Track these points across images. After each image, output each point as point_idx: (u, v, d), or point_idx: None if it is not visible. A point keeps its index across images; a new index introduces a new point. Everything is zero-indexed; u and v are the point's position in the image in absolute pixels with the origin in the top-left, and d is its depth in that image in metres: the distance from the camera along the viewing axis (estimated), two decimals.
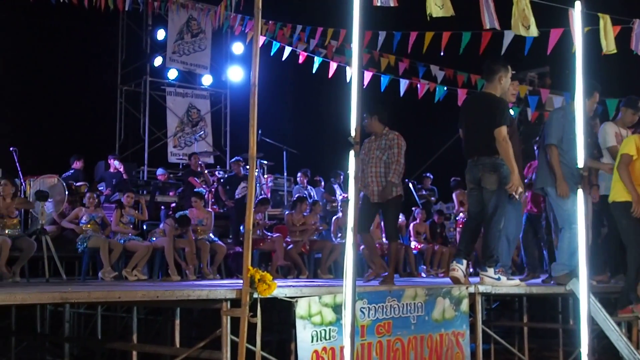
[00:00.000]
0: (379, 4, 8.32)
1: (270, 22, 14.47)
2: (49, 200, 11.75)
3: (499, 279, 8.11)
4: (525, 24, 8.83)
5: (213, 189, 14.45)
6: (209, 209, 12.84)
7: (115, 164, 14.77)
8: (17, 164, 12.28)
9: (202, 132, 19.64)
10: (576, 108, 7.71)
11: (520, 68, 9.72)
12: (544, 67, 17.70)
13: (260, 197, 14.14)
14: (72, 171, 14.08)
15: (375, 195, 9.22)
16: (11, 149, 12.29)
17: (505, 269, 8.66)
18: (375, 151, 9.36)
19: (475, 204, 8.29)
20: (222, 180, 14.93)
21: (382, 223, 10.64)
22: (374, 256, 9.93)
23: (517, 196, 8.00)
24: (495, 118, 7.94)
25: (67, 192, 12.59)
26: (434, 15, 8.38)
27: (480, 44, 10.95)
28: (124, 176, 14.67)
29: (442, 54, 11.79)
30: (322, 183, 16.37)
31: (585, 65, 7.50)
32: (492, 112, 7.98)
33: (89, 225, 11.25)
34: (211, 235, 12.22)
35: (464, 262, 8.23)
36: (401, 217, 14.49)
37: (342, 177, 16.08)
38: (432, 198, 16.99)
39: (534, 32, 9.03)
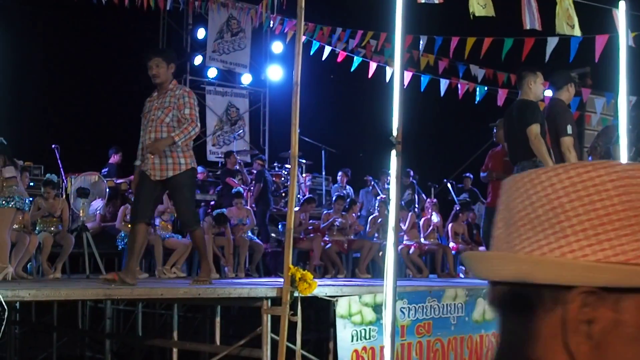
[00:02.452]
0: (423, 1, 8.30)
1: (310, 23, 14.47)
2: (99, 199, 11.87)
3: None
4: (570, 23, 8.77)
5: (252, 187, 14.49)
6: (248, 207, 12.89)
7: None
8: (59, 161, 12.42)
9: (240, 131, 19.68)
10: (619, 108, 7.66)
11: (560, 68, 9.67)
12: (584, 68, 17.54)
13: (307, 196, 14.20)
14: (107, 168, 14.13)
15: (157, 170, 7.53)
16: (53, 146, 12.43)
17: None
18: (156, 111, 7.64)
19: None
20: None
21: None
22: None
23: None
24: (526, 119, 8.07)
25: (107, 190, 12.69)
26: (477, 14, 8.36)
27: (522, 49, 10.90)
28: None
29: (481, 57, 11.78)
30: (373, 183, 16.30)
31: (630, 65, 7.45)
32: (524, 115, 8.13)
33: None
34: (249, 233, 12.26)
35: None
36: (438, 217, 14.44)
37: (388, 177, 16.02)
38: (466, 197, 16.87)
39: (578, 31, 8.97)
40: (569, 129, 8.32)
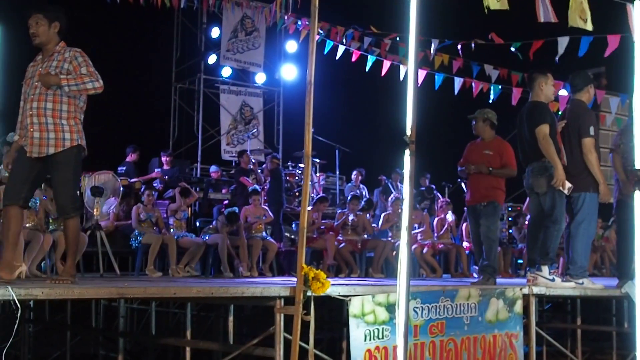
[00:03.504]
0: None
1: (323, 22, 14.44)
2: (113, 198, 11.90)
3: (553, 279, 8.08)
4: (583, 17, 8.72)
5: (266, 187, 14.50)
6: (264, 206, 12.91)
7: (163, 160, 14.86)
8: None
9: (254, 130, 19.71)
10: (634, 108, 7.61)
11: (574, 68, 9.63)
12: (599, 68, 17.47)
13: (320, 195, 14.20)
14: (124, 167, 14.15)
15: (35, 146, 6.53)
16: None
17: (582, 271, 8.47)
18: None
19: (534, 209, 8.41)
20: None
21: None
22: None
23: (565, 191, 7.99)
24: (535, 120, 8.06)
25: (121, 188, 12.70)
26: (492, 8, 8.30)
27: (536, 50, 10.88)
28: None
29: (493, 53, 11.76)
30: (386, 182, 16.28)
31: None
32: (533, 116, 8.13)
33: (144, 224, 11.33)
34: (263, 233, 12.27)
35: (544, 268, 8.25)
36: (452, 217, 14.41)
37: (400, 176, 16.02)
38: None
39: (590, 26, 8.92)
40: (591, 130, 8.29)
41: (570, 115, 8.53)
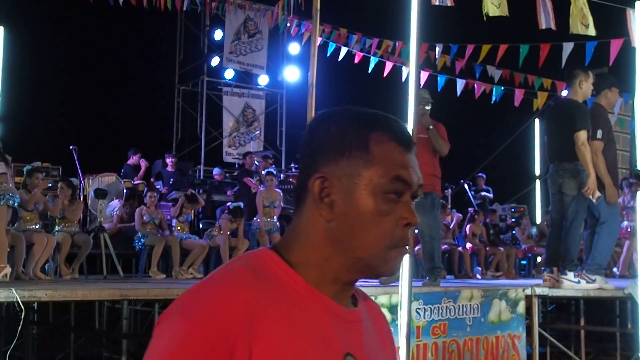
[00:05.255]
0: (437, 3, 8.30)
1: (325, 25, 14.48)
2: (117, 200, 11.92)
3: (578, 282, 8.13)
4: (584, 23, 8.74)
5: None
6: (277, 189, 12.93)
7: (167, 162, 14.87)
8: (77, 163, 12.50)
9: (257, 132, 19.72)
10: (636, 108, 7.64)
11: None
12: (601, 68, 17.48)
13: None
14: (123, 169, 14.14)
15: None
16: (71, 147, 12.50)
17: (598, 268, 8.48)
18: None
19: (557, 210, 8.35)
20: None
21: None
22: None
23: (594, 200, 7.95)
24: (575, 123, 7.96)
25: (125, 191, 12.73)
26: (491, 14, 8.35)
27: (539, 53, 10.90)
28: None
29: (497, 62, 11.78)
30: None
31: None
32: (572, 118, 8.02)
33: (148, 226, 11.34)
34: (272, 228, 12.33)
35: (555, 270, 8.27)
36: (455, 218, 14.43)
37: None
38: (490, 195, 16.81)
39: (592, 31, 8.94)
40: (599, 133, 8.25)
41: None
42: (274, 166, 15.54)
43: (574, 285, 8.11)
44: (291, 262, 1.51)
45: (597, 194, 7.96)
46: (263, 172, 14.94)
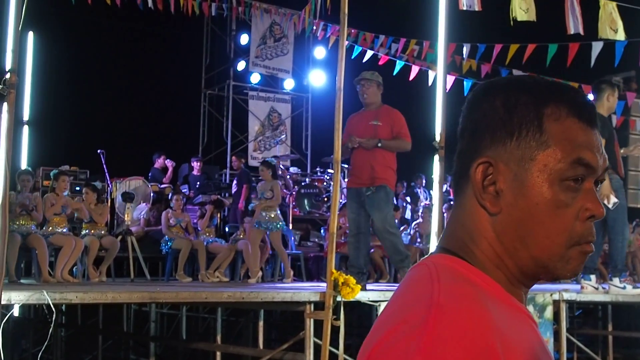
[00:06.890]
0: (464, 8, 8.30)
1: (352, 30, 14.48)
2: (144, 203, 11.99)
3: (624, 287, 8.20)
4: (613, 27, 8.71)
5: (294, 192, 14.53)
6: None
7: (194, 166, 14.94)
8: (105, 166, 12.59)
9: (283, 136, 19.74)
10: None
11: (605, 72, 9.59)
12: (629, 72, 17.39)
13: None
14: (151, 173, 14.23)
15: None
16: (99, 151, 12.60)
17: (615, 271, 8.51)
18: None
19: None
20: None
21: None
22: None
23: (610, 206, 7.95)
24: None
25: (152, 194, 12.81)
26: (519, 19, 8.33)
27: (567, 55, 10.84)
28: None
29: (523, 63, 11.73)
30: (404, 186, 16.26)
31: None
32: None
33: (174, 229, 11.38)
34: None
35: (592, 277, 8.32)
36: None
37: (424, 180, 16.00)
38: None
39: (621, 35, 8.90)
40: None
41: None
42: (283, 165, 15.55)
43: (619, 291, 8.20)
44: (477, 267, 1.31)
45: (613, 200, 7.97)
46: (287, 175, 15.00)
